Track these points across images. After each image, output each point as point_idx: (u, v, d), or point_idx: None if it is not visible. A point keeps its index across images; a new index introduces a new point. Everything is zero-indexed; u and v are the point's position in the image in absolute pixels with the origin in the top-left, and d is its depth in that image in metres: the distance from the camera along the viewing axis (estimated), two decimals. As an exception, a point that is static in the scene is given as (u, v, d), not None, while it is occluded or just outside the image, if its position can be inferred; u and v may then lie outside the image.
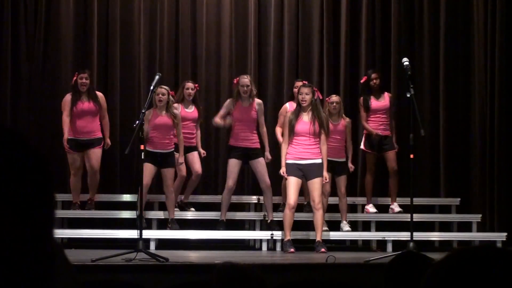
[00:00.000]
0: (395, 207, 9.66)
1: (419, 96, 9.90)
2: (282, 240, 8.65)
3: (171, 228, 9.07)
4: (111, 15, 10.58)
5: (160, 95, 8.83)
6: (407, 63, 8.19)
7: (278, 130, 9.25)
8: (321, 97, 8.91)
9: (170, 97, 8.96)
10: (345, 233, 9.36)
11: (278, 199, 9.87)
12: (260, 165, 9.05)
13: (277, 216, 9.20)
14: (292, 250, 8.39)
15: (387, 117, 9.65)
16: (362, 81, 9.78)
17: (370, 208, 9.77)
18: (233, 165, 9.04)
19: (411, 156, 7.86)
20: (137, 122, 7.58)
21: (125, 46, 10.58)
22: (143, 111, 7.72)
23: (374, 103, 9.58)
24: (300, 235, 9.14)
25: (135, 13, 10.61)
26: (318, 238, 8.49)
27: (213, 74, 10.69)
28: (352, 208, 10.01)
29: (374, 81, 9.57)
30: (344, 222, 9.34)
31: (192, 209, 9.68)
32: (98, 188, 9.59)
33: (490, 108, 10.38)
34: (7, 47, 10.17)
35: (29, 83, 10.26)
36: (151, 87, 7.94)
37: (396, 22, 10.74)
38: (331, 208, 9.38)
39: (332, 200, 9.52)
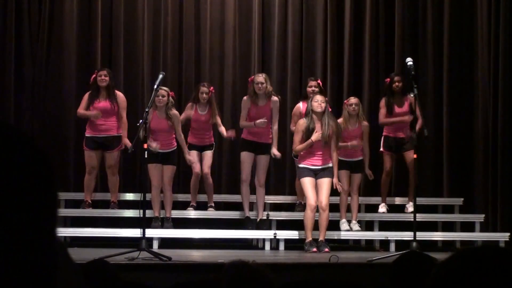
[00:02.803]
0: (409, 207, 9.67)
1: (423, 96, 9.89)
2: (304, 240, 8.58)
3: (164, 226, 9.09)
4: (114, 15, 10.58)
5: (160, 97, 8.85)
6: (410, 63, 8.18)
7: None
8: (329, 109, 8.89)
9: (170, 98, 9.01)
10: (353, 233, 9.34)
11: (283, 198, 9.88)
12: (264, 161, 9.14)
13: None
14: (314, 249, 8.38)
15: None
16: (386, 84, 9.73)
17: (381, 208, 9.76)
18: (245, 157, 9.14)
19: (415, 156, 7.86)
20: (141, 121, 7.59)
21: (129, 46, 10.58)
22: (147, 110, 7.72)
23: (395, 108, 9.56)
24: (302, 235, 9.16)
25: (138, 12, 10.61)
26: (321, 238, 8.48)
27: (217, 73, 10.69)
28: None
29: (397, 83, 9.54)
30: (354, 221, 9.32)
31: (212, 209, 9.62)
32: (97, 187, 9.67)
33: (494, 108, 10.38)
34: (11, 47, 10.16)
35: (33, 84, 10.25)
36: (155, 86, 7.94)
37: (400, 22, 10.74)
38: (332, 208, 9.37)
39: (334, 199, 9.52)
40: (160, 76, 7.94)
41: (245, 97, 9.19)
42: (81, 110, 9.31)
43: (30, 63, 10.30)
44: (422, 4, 10.84)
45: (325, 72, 10.70)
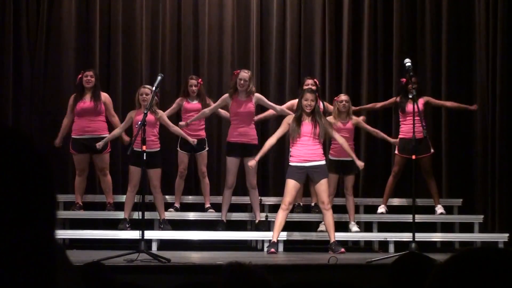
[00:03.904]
0: (438, 209, 9.67)
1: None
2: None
3: (163, 229, 9.08)
4: (113, 16, 10.58)
5: (144, 95, 8.81)
6: (409, 64, 8.18)
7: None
8: (321, 107, 8.90)
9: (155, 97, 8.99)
10: (352, 234, 9.34)
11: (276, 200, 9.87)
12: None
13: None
14: (272, 250, 8.37)
15: (420, 120, 9.59)
16: (402, 84, 9.69)
17: (380, 209, 9.74)
18: (231, 163, 9.06)
19: (413, 157, 7.86)
20: (139, 123, 7.58)
21: (127, 47, 10.58)
22: (145, 111, 7.72)
23: (409, 106, 9.52)
24: (306, 236, 9.16)
25: (137, 13, 10.61)
26: (333, 239, 8.45)
27: (215, 74, 10.70)
28: (355, 209, 9.99)
29: (414, 85, 9.51)
30: (352, 222, 9.33)
31: (212, 210, 9.61)
32: (95, 189, 9.67)
33: (492, 109, 10.38)
34: (9, 48, 10.17)
35: (31, 85, 10.26)
36: (153, 88, 7.94)
37: (398, 22, 10.74)
38: (337, 209, 9.37)
39: (338, 200, 9.52)
40: (159, 77, 7.93)
41: (226, 95, 9.10)
42: (65, 119, 9.32)
43: (28, 64, 10.30)
44: (420, 4, 10.84)
45: (323, 72, 10.71)
